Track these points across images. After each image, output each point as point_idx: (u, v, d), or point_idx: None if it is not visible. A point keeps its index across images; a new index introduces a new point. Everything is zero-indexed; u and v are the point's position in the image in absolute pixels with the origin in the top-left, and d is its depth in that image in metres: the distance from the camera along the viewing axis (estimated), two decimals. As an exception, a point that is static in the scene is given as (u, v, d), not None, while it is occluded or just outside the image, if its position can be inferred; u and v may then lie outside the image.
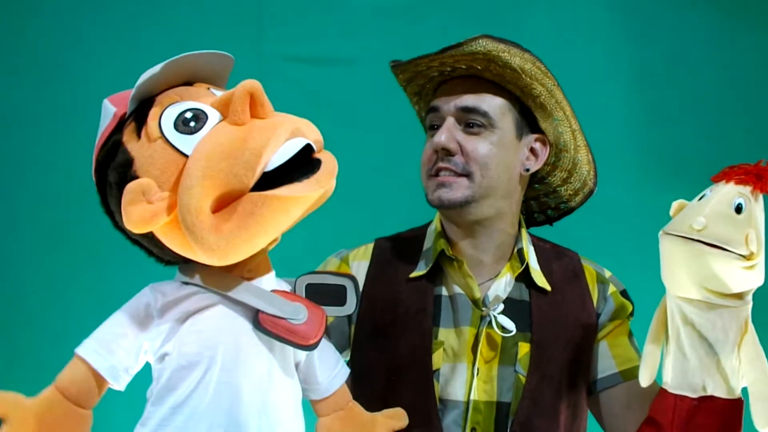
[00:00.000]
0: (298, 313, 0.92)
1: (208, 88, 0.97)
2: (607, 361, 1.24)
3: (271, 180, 0.86)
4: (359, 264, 1.28)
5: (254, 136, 0.86)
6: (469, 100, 1.20)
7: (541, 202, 1.36)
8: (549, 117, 1.23)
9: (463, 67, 1.20)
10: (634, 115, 2.18)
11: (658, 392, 1.07)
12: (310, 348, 0.93)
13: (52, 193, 2.01)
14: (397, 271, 1.26)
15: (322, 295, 0.99)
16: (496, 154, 1.19)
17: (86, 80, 2.00)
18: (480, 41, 1.14)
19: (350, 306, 1.00)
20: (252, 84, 0.88)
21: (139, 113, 0.92)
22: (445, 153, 1.19)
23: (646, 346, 1.08)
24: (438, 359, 1.19)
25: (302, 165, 0.89)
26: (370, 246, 1.31)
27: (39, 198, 2.02)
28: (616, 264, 1.34)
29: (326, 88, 2.12)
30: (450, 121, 1.20)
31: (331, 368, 1.04)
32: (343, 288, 1.00)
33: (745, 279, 0.95)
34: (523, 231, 1.28)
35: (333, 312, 1.00)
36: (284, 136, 0.87)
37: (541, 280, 1.24)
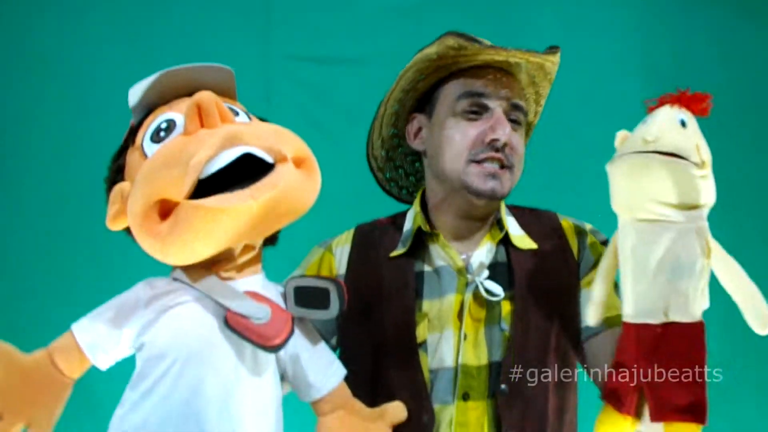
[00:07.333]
0: (261, 313, 0.96)
1: None
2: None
3: (211, 188, 0.88)
4: (342, 249, 1.30)
5: (189, 146, 0.90)
6: (517, 97, 1.23)
7: None
8: (536, 117, 1.30)
9: (501, 61, 1.21)
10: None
11: (621, 330, 1.06)
12: (271, 349, 0.96)
13: (57, 191, 2.02)
14: (378, 252, 1.28)
15: (308, 298, 1.03)
16: (524, 149, 1.25)
17: (94, 79, 2.01)
18: (556, 53, 1.21)
19: (333, 310, 1.02)
20: (200, 96, 0.92)
21: (142, 122, 1.01)
22: (501, 145, 1.19)
23: (596, 284, 1.10)
24: (423, 331, 1.19)
25: (252, 174, 0.90)
26: (352, 231, 1.34)
27: (43, 197, 2.03)
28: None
29: (334, 87, 2.12)
30: (500, 112, 1.20)
31: (323, 369, 1.06)
32: (327, 291, 1.03)
33: (700, 189, 0.97)
34: (501, 203, 1.30)
35: (317, 315, 1.04)
36: (217, 145, 0.88)
37: (524, 242, 1.26)
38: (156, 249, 0.91)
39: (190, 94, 0.99)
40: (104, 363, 0.98)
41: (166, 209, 0.89)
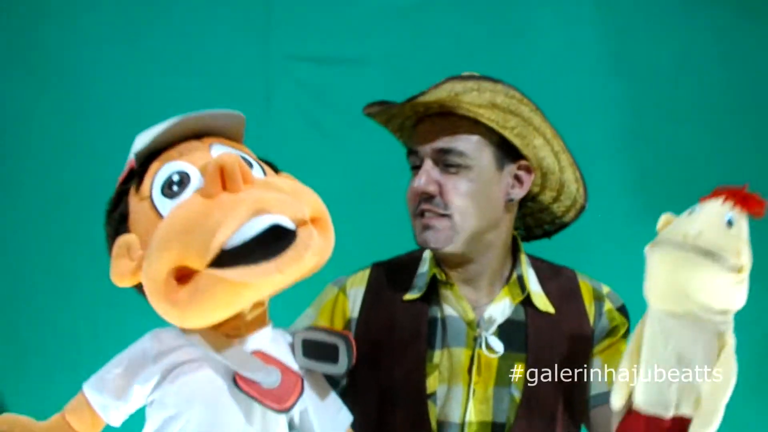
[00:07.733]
0: (270, 377, 0.94)
1: (211, 145, 0.98)
2: (599, 379, 1.24)
3: (233, 257, 0.86)
4: (356, 291, 1.30)
5: (214, 213, 0.86)
6: (443, 141, 1.19)
7: (537, 218, 1.36)
8: (528, 144, 1.22)
9: (436, 107, 1.20)
10: (640, 112, 2.17)
11: (625, 415, 1.05)
12: (282, 412, 0.95)
13: (57, 191, 2.02)
14: (393, 294, 1.27)
15: (316, 351, 1.03)
16: (476, 190, 1.20)
17: (94, 79, 2.00)
18: (446, 85, 1.14)
19: (342, 366, 1.02)
20: (224, 159, 0.88)
21: (144, 166, 0.96)
22: (426, 196, 1.19)
23: (623, 368, 1.07)
24: (433, 382, 1.20)
25: (273, 242, 0.88)
26: (367, 271, 1.32)
27: (43, 197, 2.03)
28: (616, 279, 1.34)
29: (334, 87, 2.12)
30: (428, 163, 1.20)
31: (330, 419, 1.06)
32: (336, 347, 1.02)
33: (732, 295, 0.95)
34: (522, 255, 1.29)
35: (325, 369, 1.03)
36: (245, 215, 0.86)
37: (543, 303, 1.25)
38: (173, 315, 0.90)
39: (197, 136, 0.98)
40: (117, 420, 0.99)
41: (183, 274, 0.88)
